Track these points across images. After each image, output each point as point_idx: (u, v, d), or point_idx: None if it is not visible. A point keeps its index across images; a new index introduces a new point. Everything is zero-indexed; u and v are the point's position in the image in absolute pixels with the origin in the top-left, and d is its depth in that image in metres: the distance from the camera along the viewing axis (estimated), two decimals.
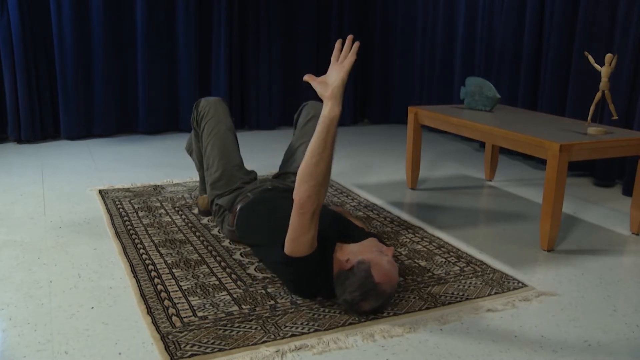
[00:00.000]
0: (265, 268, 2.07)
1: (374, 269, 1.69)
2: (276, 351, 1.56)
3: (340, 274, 1.74)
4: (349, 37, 1.72)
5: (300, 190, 1.67)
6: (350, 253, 1.77)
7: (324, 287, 1.81)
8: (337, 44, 1.73)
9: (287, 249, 1.75)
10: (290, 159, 2.51)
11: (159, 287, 1.91)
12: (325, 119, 1.65)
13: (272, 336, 1.63)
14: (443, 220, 2.67)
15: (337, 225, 2.00)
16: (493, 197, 3.07)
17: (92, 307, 1.79)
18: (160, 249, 2.23)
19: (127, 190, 2.97)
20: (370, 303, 1.72)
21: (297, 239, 1.71)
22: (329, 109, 1.66)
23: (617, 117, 2.56)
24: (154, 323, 1.68)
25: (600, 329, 1.73)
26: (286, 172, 2.49)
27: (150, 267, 2.06)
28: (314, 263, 1.76)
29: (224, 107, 2.46)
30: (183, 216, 2.60)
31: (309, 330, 1.67)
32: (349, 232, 1.99)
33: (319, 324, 1.71)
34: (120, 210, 2.66)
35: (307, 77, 1.74)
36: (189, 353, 1.54)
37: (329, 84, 1.69)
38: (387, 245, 1.97)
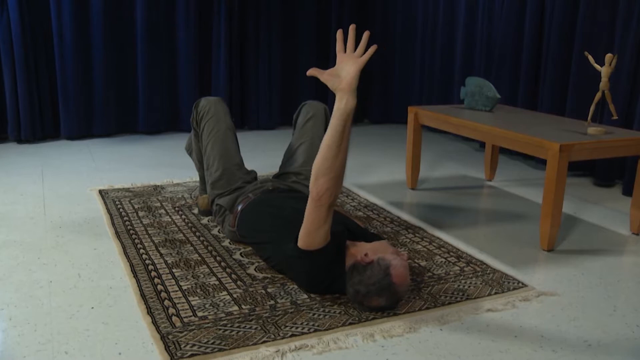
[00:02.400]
0: (267, 268, 2.07)
1: (392, 268, 1.72)
2: (276, 351, 1.56)
3: (356, 266, 1.76)
4: (352, 27, 1.70)
5: (319, 183, 1.67)
6: (367, 250, 1.80)
7: (336, 281, 1.82)
8: (339, 35, 1.71)
9: (303, 242, 1.77)
10: (291, 159, 2.51)
11: (159, 287, 1.91)
12: (342, 112, 1.65)
13: (272, 336, 1.63)
14: (443, 220, 2.67)
15: (344, 223, 2.00)
16: (493, 197, 3.07)
17: (92, 307, 1.79)
18: (160, 249, 2.23)
19: (127, 190, 2.97)
20: (381, 301, 1.73)
21: (313, 232, 1.73)
22: (345, 102, 1.65)
23: (617, 117, 2.56)
24: (154, 323, 1.68)
25: (600, 329, 1.73)
26: (286, 172, 2.49)
27: (150, 267, 2.06)
28: (328, 255, 1.78)
29: (224, 107, 2.46)
30: (183, 216, 2.60)
31: (309, 330, 1.67)
32: (355, 231, 2.00)
33: (319, 324, 1.71)
34: (120, 210, 2.66)
35: (312, 71, 1.70)
36: (189, 353, 1.54)
37: (342, 76, 1.67)
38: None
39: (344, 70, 1.68)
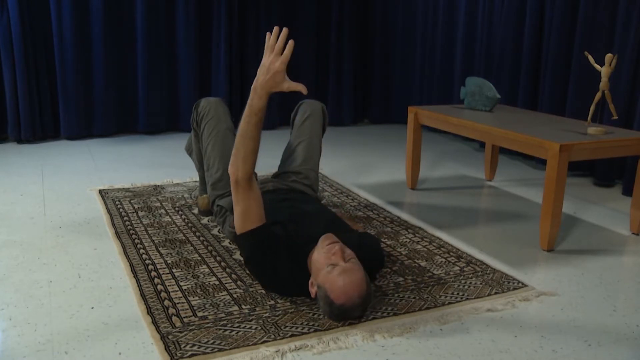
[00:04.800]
0: None
1: (330, 292, 1.66)
2: (276, 351, 1.56)
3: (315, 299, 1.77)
4: (278, 29, 1.77)
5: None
6: (312, 274, 1.77)
7: (297, 279, 1.80)
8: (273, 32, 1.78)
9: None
10: (289, 158, 2.51)
11: (159, 287, 1.91)
12: (247, 107, 1.86)
13: (272, 336, 1.63)
14: (443, 220, 2.67)
15: (328, 226, 2.00)
16: (493, 197, 3.07)
17: (92, 307, 1.79)
18: (160, 249, 2.23)
19: (127, 190, 2.97)
20: (351, 317, 1.71)
21: (234, 210, 1.87)
22: (252, 100, 1.83)
23: (617, 117, 2.56)
24: (154, 323, 1.68)
25: (600, 329, 1.73)
26: (286, 171, 2.49)
27: (150, 267, 2.06)
28: (250, 240, 1.85)
29: (224, 108, 2.46)
30: (183, 216, 2.60)
31: (309, 330, 1.67)
32: (339, 232, 1.99)
33: (319, 324, 1.71)
34: (120, 210, 2.66)
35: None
36: (189, 353, 1.54)
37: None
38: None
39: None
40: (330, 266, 1.68)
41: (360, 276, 1.67)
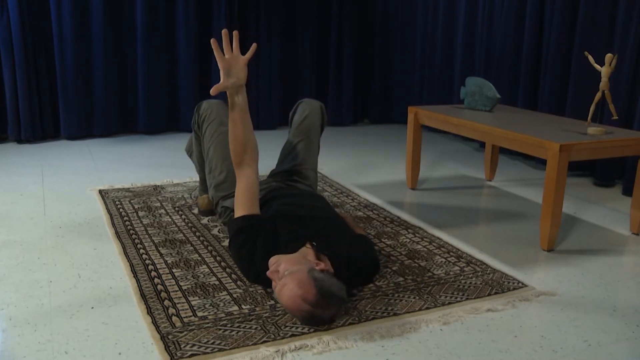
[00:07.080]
0: None
1: (288, 309, 1.68)
2: (276, 351, 1.56)
3: None
4: (234, 33, 2.03)
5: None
6: None
7: (251, 267, 1.90)
8: (215, 44, 2.02)
9: None
10: (289, 156, 2.50)
11: (159, 287, 1.91)
12: (243, 105, 2.05)
13: (272, 336, 1.63)
14: (443, 220, 2.67)
15: (323, 225, 2.00)
16: (493, 197, 3.07)
17: (92, 307, 1.79)
18: (160, 249, 2.23)
19: (127, 190, 2.97)
20: (322, 320, 1.68)
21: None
22: (242, 97, 2.05)
23: (617, 117, 2.56)
24: (154, 323, 1.68)
25: (600, 329, 1.73)
26: (286, 170, 2.49)
27: (150, 267, 2.06)
28: (234, 227, 1.97)
29: (226, 110, 2.45)
30: (183, 216, 2.60)
31: (309, 330, 1.67)
32: (334, 232, 1.99)
33: None
34: (120, 210, 2.66)
35: (215, 90, 1.97)
36: (189, 353, 1.54)
37: (241, 77, 2.04)
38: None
39: (236, 71, 2.02)
40: (277, 285, 1.73)
41: (295, 285, 1.64)
